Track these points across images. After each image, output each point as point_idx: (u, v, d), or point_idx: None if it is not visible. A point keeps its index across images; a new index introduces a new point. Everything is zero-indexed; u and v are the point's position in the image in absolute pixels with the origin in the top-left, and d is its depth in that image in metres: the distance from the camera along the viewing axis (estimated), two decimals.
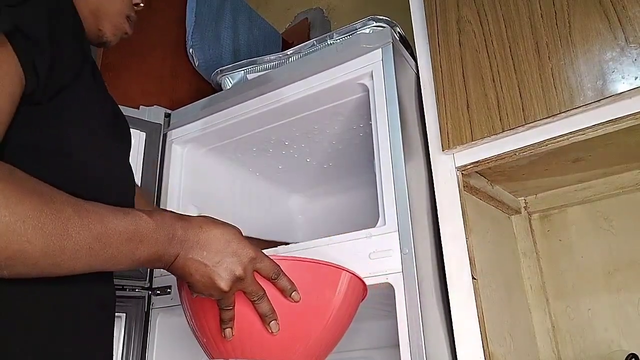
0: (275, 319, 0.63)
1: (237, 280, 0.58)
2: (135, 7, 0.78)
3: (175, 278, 0.64)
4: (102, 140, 0.63)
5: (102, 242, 0.49)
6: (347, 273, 0.72)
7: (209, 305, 0.64)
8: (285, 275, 0.63)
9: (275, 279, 0.62)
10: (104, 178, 0.61)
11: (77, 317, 0.57)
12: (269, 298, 0.62)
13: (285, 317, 0.64)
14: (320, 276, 0.68)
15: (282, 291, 0.63)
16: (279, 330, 0.63)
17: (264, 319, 0.63)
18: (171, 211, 0.60)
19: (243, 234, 0.62)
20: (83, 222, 0.48)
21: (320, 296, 0.68)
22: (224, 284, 0.57)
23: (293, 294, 0.64)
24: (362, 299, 0.78)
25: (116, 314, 0.96)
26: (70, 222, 0.47)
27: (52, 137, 0.55)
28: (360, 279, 0.74)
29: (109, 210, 0.51)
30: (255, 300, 0.61)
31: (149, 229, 0.53)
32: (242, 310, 0.62)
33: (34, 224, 0.44)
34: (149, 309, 1.05)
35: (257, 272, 0.61)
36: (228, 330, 0.63)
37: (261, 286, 0.61)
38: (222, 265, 0.57)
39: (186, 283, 0.60)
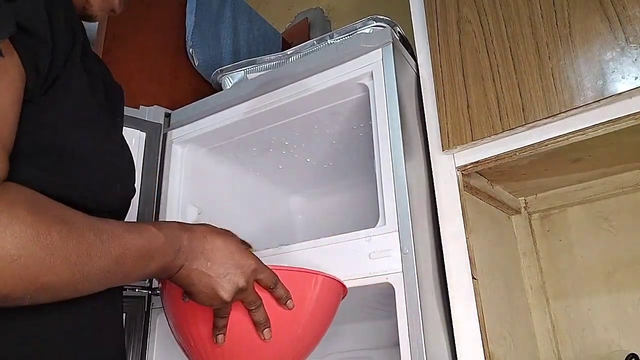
0: (269, 327, 0.65)
1: (239, 291, 0.60)
2: None
3: None
4: (98, 127, 0.60)
5: (119, 264, 0.50)
6: (319, 276, 0.73)
7: (200, 311, 0.65)
8: (282, 284, 0.65)
9: (273, 289, 0.64)
10: (105, 170, 0.59)
11: (88, 319, 0.56)
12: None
13: (278, 325, 0.66)
14: (293, 282, 0.70)
15: (278, 299, 0.65)
16: (271, 337, 0.65)
17: (258, 326, 0.64)
18: (176, 221, 0.60)
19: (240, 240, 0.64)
20: (104, 246, 0.48)
21: (296, 301, 0.69)
22: (226, 295, 0.58)
23: (288, 302, 0.66)
24: (343, 297, 0.79)
25: None
26: (92, 249, 0.47)
27: (46, 133, 0.53)
28: (333, 278, 0.75)
29: (125, 229, 0.51)
30: (252, 309, 0.63)
31: (158, 244, 0.54)
32: (236, 317, 0.64)
33: (62, 255, 0.44)
34: (149, 309, 1.05)
35: (256, 282, 0.63)
36: (220, 337, 0.64)
37: (259, 295, 0.63)
38: (227, 277, 0.58)
39: (185, 292, 0.61)
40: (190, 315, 0.67)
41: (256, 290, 0.63)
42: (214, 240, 0.59)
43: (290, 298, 0.66)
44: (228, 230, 0.64)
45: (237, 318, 0.64)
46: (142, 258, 0.52)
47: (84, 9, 0.66)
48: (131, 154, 0.69)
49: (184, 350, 0.72)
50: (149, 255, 0.53)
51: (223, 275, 0.58)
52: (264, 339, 0.65)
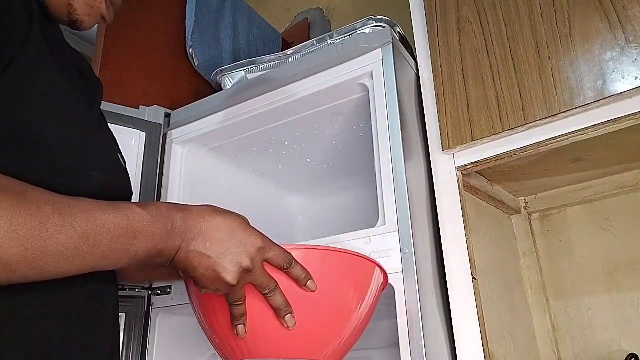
0: (290, 312, 0.58)
1: (245, 272, 0.54)
2: None
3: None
4: (69, 110, 0.55)
5: (90, 242, 0.46)
6: (379, 269, 0.69)
7: (218, 301, 0.60)
8: (299, 263, 0.58)
9: (287, 269, 0.58)
10: (78, 157, 0.54)
11: (71, 319, 0.52)
12: (283, 290, 0.58)
13: (305, 310, 0.60)
14: (351, 268, 0.64)
15: (296, 281, 0.59)
16: (295, 324, 0.58)
17: (278, 312, 0.58)
18: (170, 202, 0.56)
19: (250, 223, 0.59)
20: (65, 220, 0.44)
21: (347, 290, 0.64)
22: (230, 277, 0.53)
23: (309, 282, 0.59)
24: (382, 289, 0.75)
25: None
26: (50, 222, 0.43)
27: (8, 119, 0.48)
28: (385, 272, 0.72)
29: (96, 206, 0.47)
30: (267, 294, 0.57)
31: (143, 223, 0.49)
32: (255, 304, 0.58)
33: (6, 227, 0.41)
34: (149, 309, 1.05)
35: (267, 262, 0.57)
36: (240, 327, 0.59)
37: (272, 277, 0.57)
38: (227, 256, 0.53)
39: (191, 278, 0.56)
40: (209, 306, 0.62)
41: (269, 271, 0.57)
42: (212, 218, 0.55)
43: (311, 278, 0.58)
44: (236, 213, 0.59)
45: (257, 305, 0.58)
46: (121, 237, 0.47)
47: (68, 13, 0.61)
48: (116, 143, 0.64)
49: (214, 347, 0.66)
50: (130, 235, 0.48)
51: (224, 255, 0.53)
52: (287, 326, 0.58)
